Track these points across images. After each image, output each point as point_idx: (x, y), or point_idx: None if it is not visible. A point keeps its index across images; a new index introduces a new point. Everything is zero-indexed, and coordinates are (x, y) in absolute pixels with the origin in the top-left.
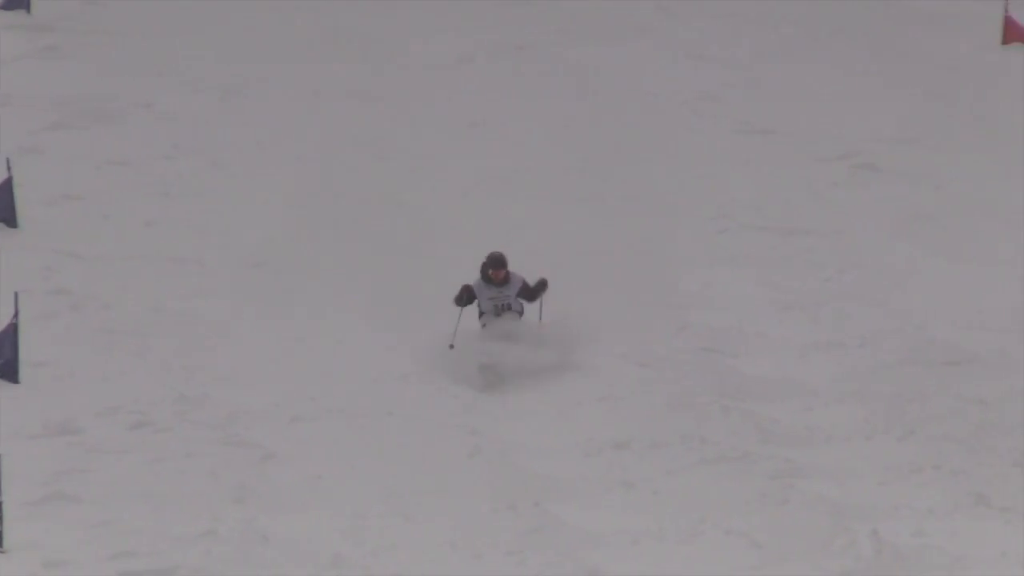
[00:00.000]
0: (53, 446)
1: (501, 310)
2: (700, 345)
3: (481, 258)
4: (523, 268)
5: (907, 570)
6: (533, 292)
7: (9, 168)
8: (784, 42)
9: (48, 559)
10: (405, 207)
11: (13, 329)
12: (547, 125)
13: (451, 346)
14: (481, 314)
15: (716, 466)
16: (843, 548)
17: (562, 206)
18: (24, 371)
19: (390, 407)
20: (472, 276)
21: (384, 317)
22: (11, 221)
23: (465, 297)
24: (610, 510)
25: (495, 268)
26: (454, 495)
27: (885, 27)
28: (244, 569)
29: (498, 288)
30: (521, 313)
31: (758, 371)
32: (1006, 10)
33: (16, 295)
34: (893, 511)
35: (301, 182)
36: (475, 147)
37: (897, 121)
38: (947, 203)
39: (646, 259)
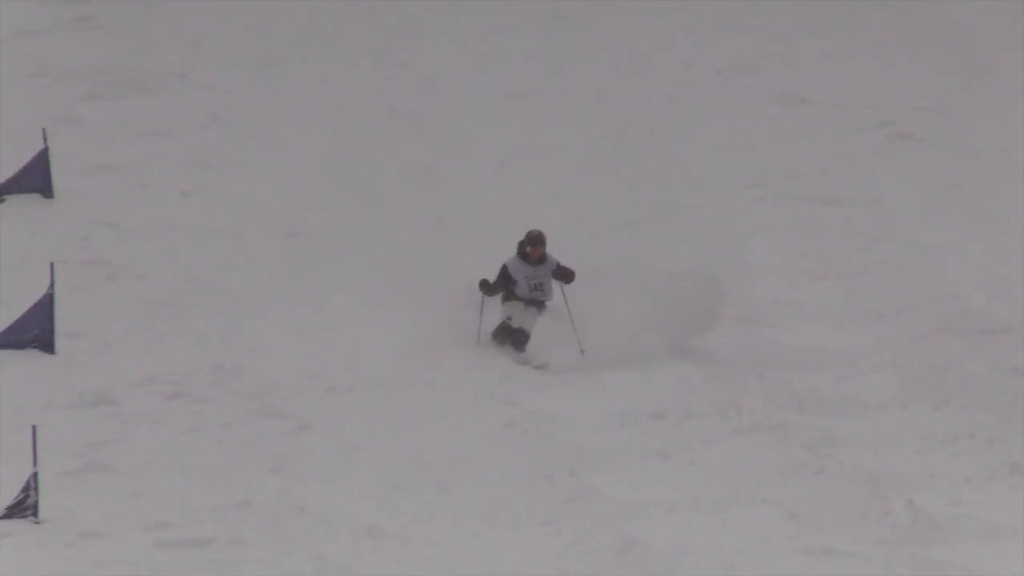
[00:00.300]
0: (89, 417)
1: (534, 289)
2: (736, 315)
3: (515, 232)
4: (558, 239)
5: (943, 540)
6: (567, 274)
7: (46, 139)
8: (820, 12)
9: (84, 530)
10: (439, 178)
11: (49, 300)
12: (582, 96)
13: (477, 343)
14: (505, 299)
15: (752, 436)
16: (879, 518)
17: (596, 177)
18: (60, 342)
19: (426, 378)
20: (507, 251)
21: (418, 288)
22: (48, 192)
23: (501, 283)
24: (645, 480)
25: (534, 246)
26: (490, 465)
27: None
28: (280, 540)
29: (533, 267)
30: (550, 297)
31: (794, 341)
32: None
33: (52, 265)
34: (929, 480)
35: (336, 153)
36: (509, 118)
37: (933, 91)
38: (982, 173)
39: (681, 229)
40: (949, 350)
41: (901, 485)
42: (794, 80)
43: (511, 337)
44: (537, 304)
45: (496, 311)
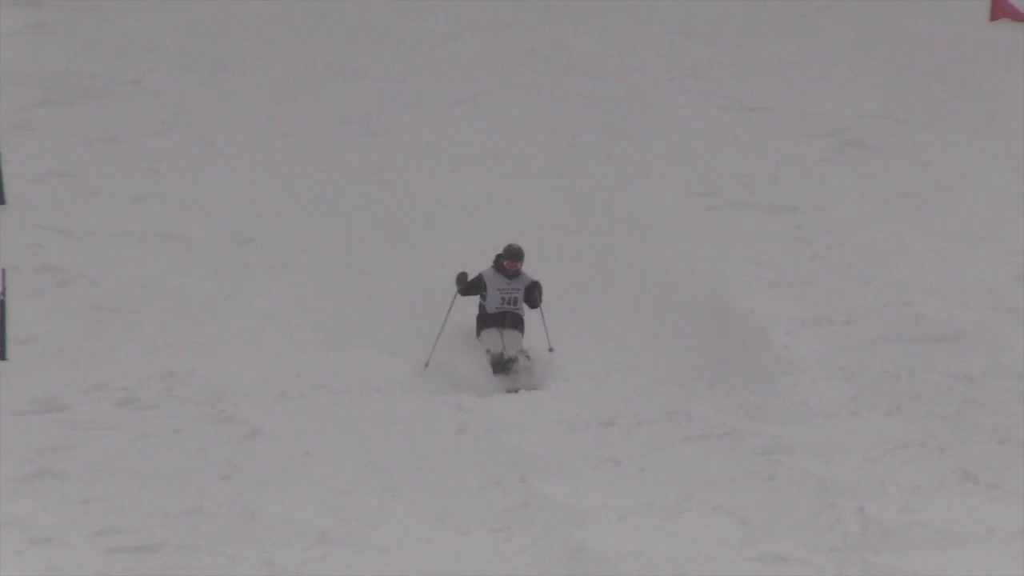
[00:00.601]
0: (40, 423)
1: (507, 303)
2: (686, 322)
3: (467, 236)
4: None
5: (894, 547)
6: (534, 298)
7: None
8: (772, 19)
9: (35, 536)
10: (393, 184)
11: (1, 306)
12: (534, 101)
13: (426, 365)
14: (481, 309)
15: (703, 442)
16: (829, 525)
17: (549, 182)
18: (11, 348)
19: (377, 384)
20: (459, 256)
21: (371, 293)
22: None
23: (474, 287)
24: (596, 486)
25: (511, 260)
26: (441, 471)
27: (873, 5)
28: (231, 545)
29: (509, 280)
30: (522, 314)
31: (745, 348)
32: None
33: (3, 272)
34: (879, 488)
35: (288, 159)
36: (462, 124)
37: (884, 98)
38: (933, 180)
39: (633, 235)
40: (900, 357)
41: (852, 492)
42: (745, 87)
43: (506, 367)
44: (510, 319)
45: (451, 340)
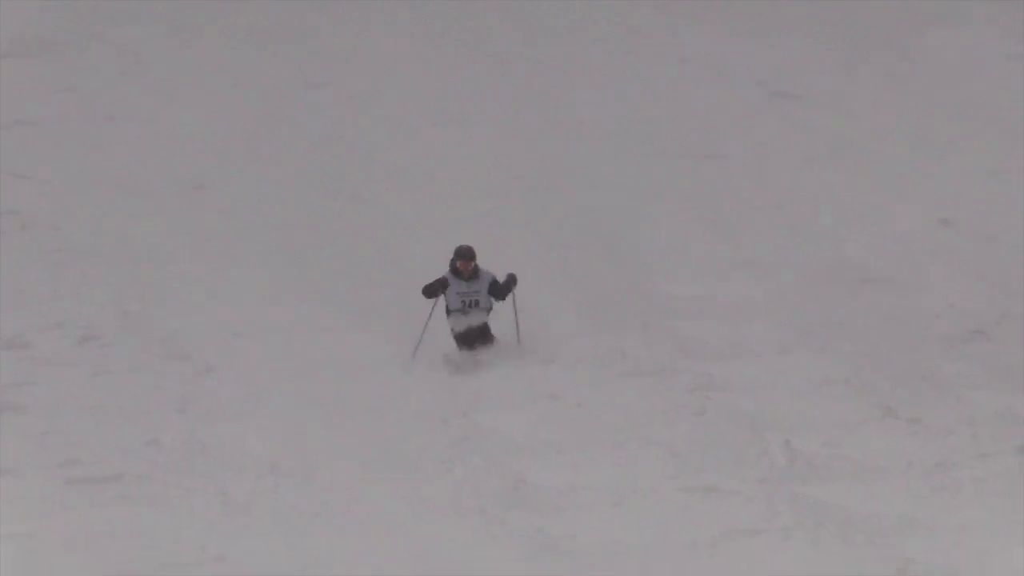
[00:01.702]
0: (2, 360)
1: (469, 307)
2: (627, 265)
3: (413, 188)
4: (463, 194)
5: (819, 479)
6: (503, 289)
7: None
8: None
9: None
10: (343, 140)
11: None
12: (484, 59)
13: (413, 356)
14: (449, 312)
15: (637, 380)
16: (757, 457)
17: (497, 134)
18: None
19: (325, 324)
20: (404, 203)
21: (318, 238)
22: None
23: (437, 287)
24: (536, 421)
25: (463, 260)
26: (387, 407)
27: None
28: (186, 476)
29: (467, 283)
30: (490, 310)
31: (680, 290)
32: None
33: None
34: (805, 423)
35: (240, 111)
36: (417, 80)
37: (813, 52)
38: (858, 130)
39: (573, 182)
40: (826, 299)
41: (779, 427)
42: (680, 42)
43: (468, 342)
44: (476, 334)
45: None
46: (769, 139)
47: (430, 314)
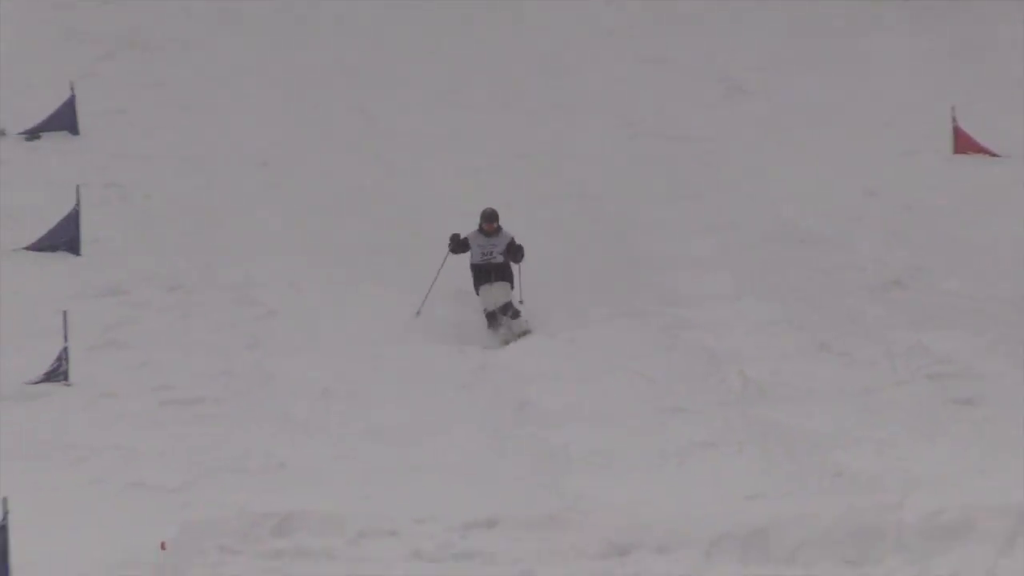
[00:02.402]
0: (106, 304)
1: (488, 256)
2: (611, 227)
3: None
4: (463, 167)
5: (766, 401)
6: (515, 253)
7: (72, 89)
8: None
9: (104, 391)
10: (376, 119)
11: (76, 214)
12: (490, 53)
13: (417, 313)
14: (475, 277)
15: (620, 320)
16: (717, 383)
17: (501, 116)
18: (84, 246)
19: (369, 275)
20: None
21: (364, 204)
22: (74, 130)
23: (461, 245)
24: (538, 355)
25: (488, 221)
26: (419, 342)
27: None
28: (255, 399)
29: (487, 238)
30: (502, 262)
31: (656, 246)
32: None
33: (78, 188)
34: (755, 356)
35: (292, 99)
36: (433, 71)
37: (760, 53)
38: (801, 118)
39: (568, 159)
40: (772, 255)
41: (734, 359)
42: (656, 44)
43: (497, 317)
44: (496, 271)
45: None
46: (727, 125)
47: (440, 268)
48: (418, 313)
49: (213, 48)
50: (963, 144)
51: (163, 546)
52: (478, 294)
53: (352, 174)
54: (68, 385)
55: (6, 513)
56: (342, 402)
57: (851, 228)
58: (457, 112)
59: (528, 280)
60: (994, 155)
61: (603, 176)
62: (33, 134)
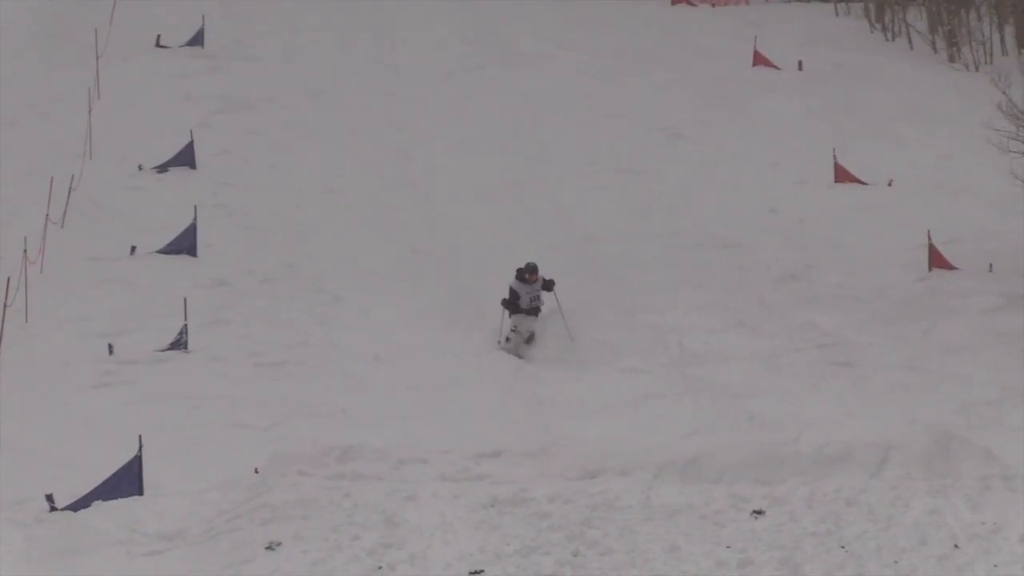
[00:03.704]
0: (215, 292)
1: (534, 300)
2: (577, 237)
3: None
4: (477, 193)
5: (699, 364)
6: (548, 285)
7: (192, 136)
8: (627, 64)
9: (213, 356)
10: (414, 161)
11: (194, 227)
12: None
13: (504, 341)
14: (515, 311)
15: (589, 305)
16: (662, 351)
17: (496, 157)
18: (200, 250)
19: (410, 275)
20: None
21: (408, 222)
22: (192, 165)
23: (512, 299)
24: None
25: (531, 273)
26: (447, 321)
27: (682, 56)
28: (324, 363)
29: (530, 286)
30: (541, 305)
31: (615, 251)
32: (755, 45)
33: (195, 207)
34: (691, 330)
35: (353, 144)
36: (454, 111)
37: (693, 109)
38: (720, 156)
39: (547, 185)
40: (702, 256)
41: (674, 332)
42: (616, 103)
43: (520, 338)
44: (535, 311)
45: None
46: (668, 161)
47: (503, 318)
48: (503, 341)
49: (294, 107)
50: (841, 175)
51: (256, 470)
52: (510, 316)
53: (397, 199)
54: (187, 352)
55: (140, 446)
56: (388, 365)
57: (759, 236)
58: (472, 155)
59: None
60: (863, 183)
61: (575, 198)
62: (162, 168)
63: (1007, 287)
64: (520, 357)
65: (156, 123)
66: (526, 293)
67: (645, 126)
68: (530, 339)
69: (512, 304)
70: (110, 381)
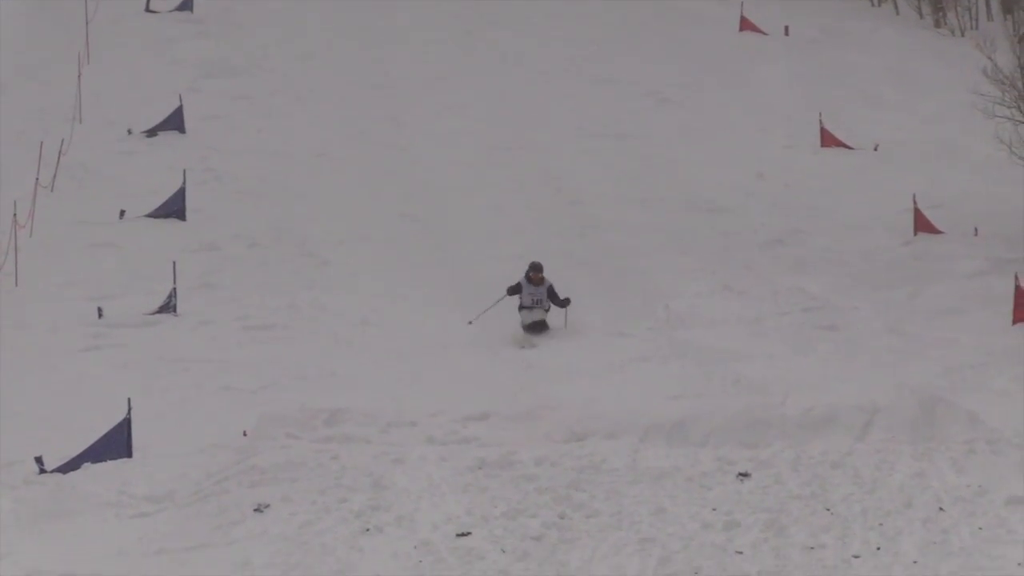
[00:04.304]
0: (203, 256)
1: (536, 303)
2: (565, 201)
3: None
4: (463, 155)
5: (686, 327)
6: (559, 301)
7: (181, 100)
8: (615, 30)
9: (202, 319)
10: (403, 125)
11: (183, 191)
12: (484, 74)
13: (470, 322)
14: (521, 308)
15: (576, 270)
16: (651, 314)
17: (488, 121)
18: (189, 214)
19: (397, 236)
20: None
21: (398, 186)
22: (182, 130)
23: (514, 290)
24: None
25: (535, 272)
26: (436, 286)
27: (668, 23)
28: (312, 325)
29: (534, 287)
30: (547, 311)
31: (605, 214)
32: (741, 10)
33: (184, 172)
34: (678, 294)
35: (341, 109)
36: (442, 91)
37: (680, 75)
38: (708, 120)
39: (538, 153)
40: (691, 221)
41: (662, 296)
42: (604, 69)
43: (530, 331)
44: (537, 316)
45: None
46: (656, 126)
47: (498, 300)
48: (470, 323)
49: (283, 72)
50: (827, 140)
51: (244, 433)
52: (519, 311)
53: (385, 162)
54: (176, 315)
55: (130, 408)
56: (376, 328)
57: (746, 201)
58: (459, 120)
59: (506, 239)
60: (850, 148)
61: (563, 163)
62: (152, 132)
63: (992, 251)
64: (522, 347)
65: (145, 88)
66: (528, 293)
67: (633, 91)
68: (538, 328)
69: (512, 291)
70: (99, 344)
